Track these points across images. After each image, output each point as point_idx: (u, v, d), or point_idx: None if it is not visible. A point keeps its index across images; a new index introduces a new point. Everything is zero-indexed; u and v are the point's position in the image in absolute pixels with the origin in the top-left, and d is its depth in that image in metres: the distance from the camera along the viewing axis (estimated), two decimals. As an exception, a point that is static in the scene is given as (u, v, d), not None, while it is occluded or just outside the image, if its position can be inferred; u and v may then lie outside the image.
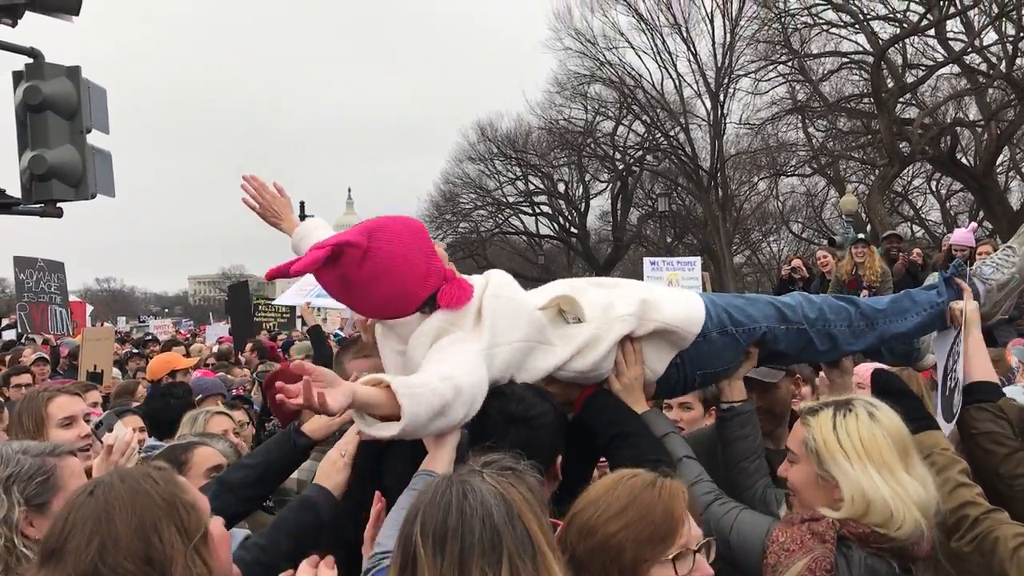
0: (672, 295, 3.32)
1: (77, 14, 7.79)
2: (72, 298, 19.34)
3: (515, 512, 1.97)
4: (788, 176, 50.69)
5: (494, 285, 3.03)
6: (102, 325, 27.55)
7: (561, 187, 60.83)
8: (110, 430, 4.52)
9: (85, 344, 8.34)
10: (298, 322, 21.60)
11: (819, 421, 2.67)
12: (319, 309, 12.82)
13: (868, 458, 2.54)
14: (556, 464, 2.84)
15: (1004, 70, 33.64)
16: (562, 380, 3.06)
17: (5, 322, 20.68)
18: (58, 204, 7.64)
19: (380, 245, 2.70)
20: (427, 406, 2.52)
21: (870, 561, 2.49)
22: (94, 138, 7.74)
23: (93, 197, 7.66)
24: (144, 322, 50.51)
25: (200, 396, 6.68)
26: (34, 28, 7.81)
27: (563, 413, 2.96)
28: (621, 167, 55.99)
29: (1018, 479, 3.02)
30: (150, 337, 21.45)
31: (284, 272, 2.69)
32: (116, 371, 11.22)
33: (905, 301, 3.49)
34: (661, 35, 49.14)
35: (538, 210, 62.11)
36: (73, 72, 7.57)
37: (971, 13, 34.41)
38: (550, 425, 2.82)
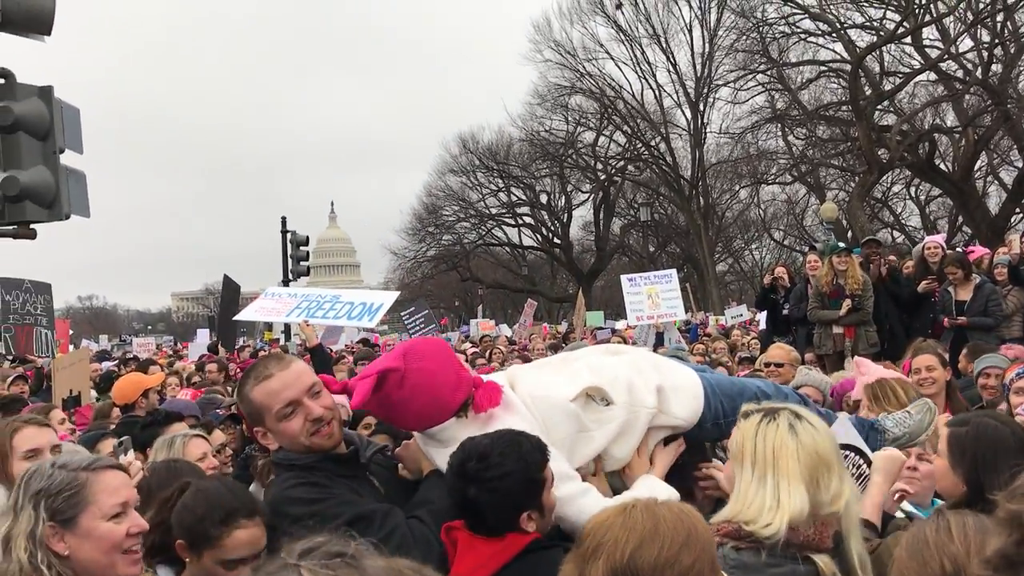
0: (679, 380, 3.53)
1: (49, 34, 7.70)
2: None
3: None
4: (769, 184, 51.03)
5: (527, 387, 3.37)
6: (78, 347, 27.28)
7: (544, 198, 61.01)
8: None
9: (58, 372, 8.19)
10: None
11: (746, 425, 2.80)
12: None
13: (772, 466, 2.67)
14: (521, 518, 2.87)
15: (980, 76, 34.00)
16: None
17: None
18: (32, 225, 7.53)
19: (414, 365, 3.11)
20: None
21: (736, 555, 2.60)
22: (68, 158, 7.64)
23: (67, 218, 7.54)
24: (126, 340, 50.15)
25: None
26: (5, 48, 7.74)
27: (530, 472, 2.88)
28: (603, 177, 56.19)
29: None
30: (131, 356, 21.27)
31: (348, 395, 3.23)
32: (93, 393, 11.10)
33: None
34: (640, 46, 49.52)
35: (521, 221, 62.29)
36: (45, 92, 7.45)
37: (947, 20, 34.80)
38: (511, 489, 2.83)
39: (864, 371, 5.58)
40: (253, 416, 3.23)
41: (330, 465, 3.20)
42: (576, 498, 3.07)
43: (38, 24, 7.60)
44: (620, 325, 24.58)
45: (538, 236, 62.37)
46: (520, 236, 62.81)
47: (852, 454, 3.36)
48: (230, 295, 17.01)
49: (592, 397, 3.31)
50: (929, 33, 35.85)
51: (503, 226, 62.53)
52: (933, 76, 36.97)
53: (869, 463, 3.36)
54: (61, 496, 2.67)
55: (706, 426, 3.47)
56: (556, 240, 60.87)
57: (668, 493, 3.12)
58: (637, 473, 3.32)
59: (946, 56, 34.31)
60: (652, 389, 3.39)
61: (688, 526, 2.18)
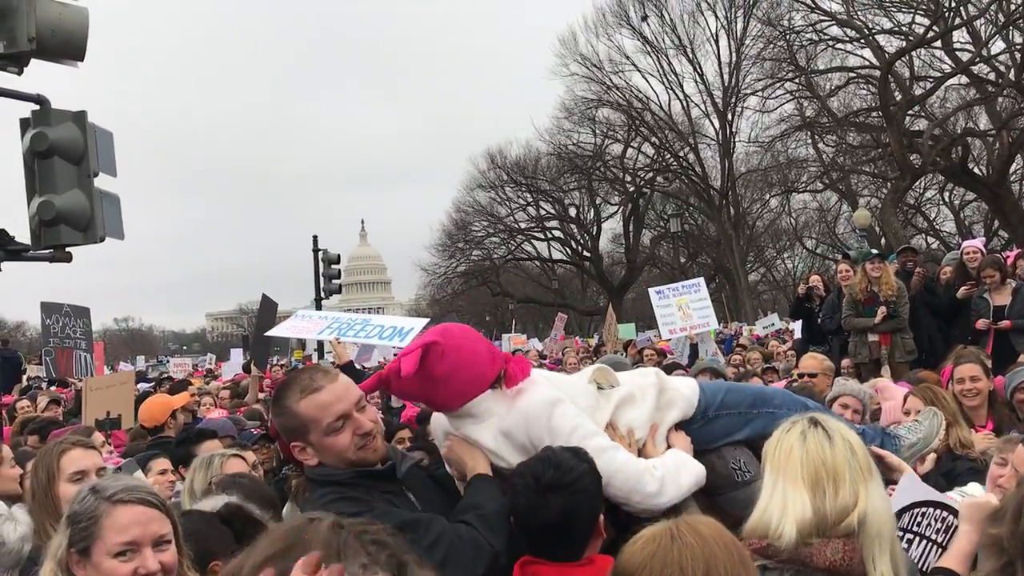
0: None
1: (82, 59, 7.83)
2: (91, 339, 19.38)
3: None
4: (800, 192, 50.68)
5: (546, 375, 3.58)
6: (115, 369, 27.58)
7: (572, 211, 60.96)
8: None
9: (91, 392, 8.22)
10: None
11: (775, 435, 2.84)
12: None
13: (783, 472, 2.69)
14: (599, 522, 2.91)
15: (1013, 78, 33.53)
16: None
17: (30, 372, 20.75)
18: (67, 249, 7.63)
19: (452, 341, 3.21)
20: None
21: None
22: (102, 181, 7.73)
23: (102, 240, 7.63)
24: (162, 361, 50.71)
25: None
26: (39, 74, 7.87)
27: (594, 467, 3.00)
28: (632, 189, 56.07)
29: None
30: (166, 375, 21.50)
31: (387, 382, 3.27)
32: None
33: None
34: (667, 57, 49.49)
35: (550, 235, 62.26)
36: (79, 117, 7.57)
37: (977, 23, 34.38)
38: (589, 488, 2.90)
39: (888, 396, 5.52)
40: (295, 430, 3.11)
41: (368, 480, 3.15)
42: (606, 450, 3.14)
43: (71, 50, 7.72)
44: (652, 336, 24.43)
45: (567, 249, 62.31)
46: (550, 250, 62.86)
47: (934, 509, 3.20)
48: (267, 313, 17.06)
49: (600, 386, 3.50)
50: (959, 36, 35.52)
51: (532, 240, 62.60)
52: (965, 79, 36.57)
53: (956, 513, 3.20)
54: (80, 525, 2.66)
55: (709, 414, 3.54)
56: (586, 253, 60.77)
57: (695, 466, 3.27)
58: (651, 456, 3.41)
59: (977, 59, 33.96)
60: (651, 373, 3.75)
61: (737, 544, 2.18)
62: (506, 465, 3.17)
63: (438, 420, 3.53)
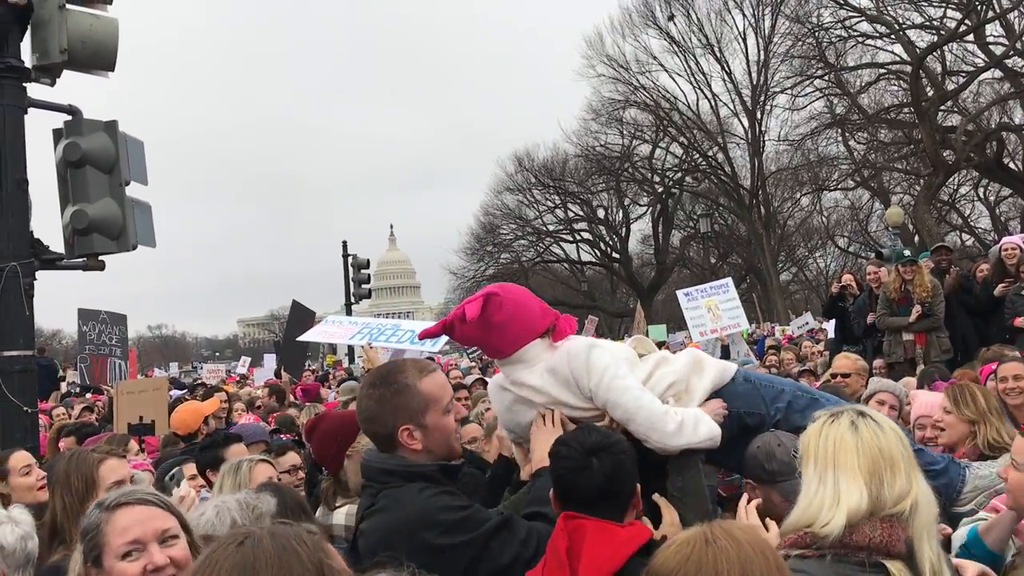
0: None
1: (112, 70, 7.93)
2: (124, 346, 19.59)
3: None
4: (831, 191, 50.17)
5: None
6: (148, 375, 27.85)
7: (601, 213, 60.76)
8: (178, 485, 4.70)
9: (121, 397, 8.29)
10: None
11: (812, 428, 2.79)
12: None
13: (832, 463, 2.65)
14: (638, 490, 3.01)
15: (1048, 72, 33.01)
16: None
17: (67, 377, 21.02)
18: (100, 257, 7.71)
19: (509, 293, 3.57)
20: None
21: (801, 564, 2.53)
22: (133, 190, 7.82)
23: (134, 248, 7.71)
24: (197, 367, 51.17)
25: (244, 443, 6.55)
26: (69, 84, 7.97)
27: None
28: (660, 190, 55.83)
29: None
30: (199, 381, 21.67)
31: (451, 327, 3.60)
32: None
33: None
34: (694, 56, 49.26)
35: (579, 237, 62.06)
36: (111, 127, 7.66)
37: (1011, 16, 33.83)
38: (629, 452, 3.03)
39: (920, 406, 5.49)
40: (414, 409, 3.13)
41: (447, 476, 3.19)
42: (633, 389, 3.42)
43: (102, 61, 7.83)
44: (684, 338, 24.28)
45: (596, 251, 62.14)
46: (578, 252, 62.63)
47: None
48: (300, 320, 17.06)
49: (640, 354, 3.82)
50: (993, 29, 34.94)
51: (561, 243, 62.44)
52: (998, 73, 35.99)
53: None
54: (88, 537, 2.73)
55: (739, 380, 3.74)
56: (615, 255, 60.55)
57: (713, 425, 3.45)
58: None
59: (1011, 52, 33.39)
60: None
61: (772, 548, 2.15)
62: (546, 400, 3.50)
63: (494, 381, 3.85)
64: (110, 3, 7.84)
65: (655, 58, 49.72)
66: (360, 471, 3.55)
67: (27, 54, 7.55)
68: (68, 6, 7.44)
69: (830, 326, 16.08)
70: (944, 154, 34.20)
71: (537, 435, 3.48)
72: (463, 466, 3.39)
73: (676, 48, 49.25)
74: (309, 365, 30.18)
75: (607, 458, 2.92)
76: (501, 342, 3.59)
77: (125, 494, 2.85)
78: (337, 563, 1.98)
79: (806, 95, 42.81)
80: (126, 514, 2.74)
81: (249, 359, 47.37)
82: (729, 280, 15.13)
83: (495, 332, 3.53)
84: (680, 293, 15.11)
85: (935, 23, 36.76)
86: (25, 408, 7.19)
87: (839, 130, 42.59)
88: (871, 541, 2.54)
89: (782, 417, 3.61)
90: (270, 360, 30.66)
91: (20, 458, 5.38)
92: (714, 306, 13.68)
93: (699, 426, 3.41)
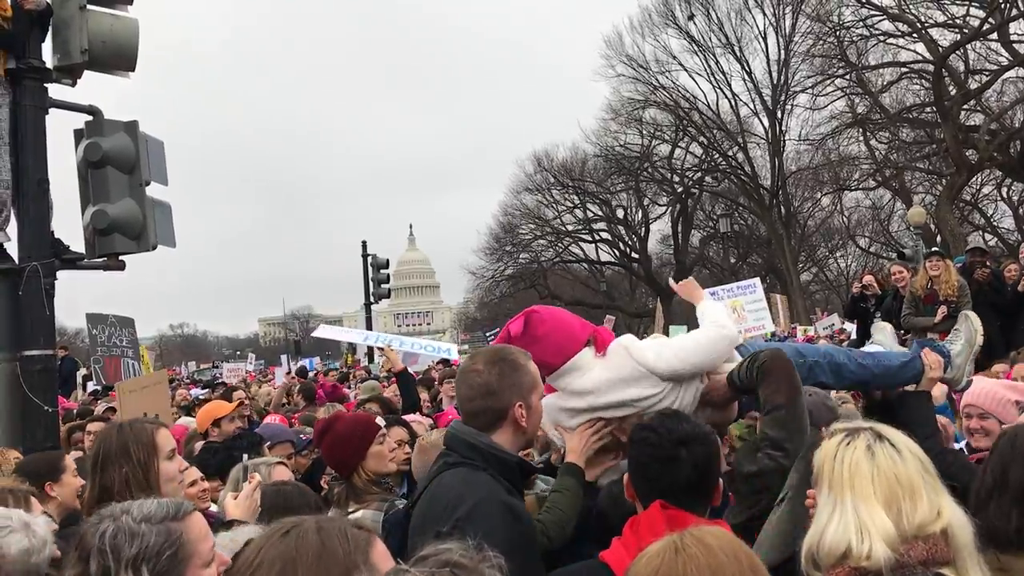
0: None
1: (133, 70, 7.94)
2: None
3: None
4: (852, 190, 49.74)
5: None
6: (170, 373, 27.94)
7: (620, 213, 60.56)
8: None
9: (124, 395, 8.27)
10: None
11: (827, 446, 2.68)
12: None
13: (848, 488, 2.55)
14: (720, 488, 2.98)
15: (1073, 70, 32.60)
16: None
17: (84, 372, 21.24)
18: (120, 257, 7.73)
19: (547, 310, 3.90)
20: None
21: None
22: (154, 190, 7.83)
23: (154, 248, 7.73)
24: (216, 365, 51.41)
25: (269, 444, 6.50)
26: (92, 85, 7.99)
27: None
28: (680, 190, 55.60)
29: None
30: (219, 380, 21.77)
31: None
32: (186, 417, 11.33)
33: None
34: (714, 56, 49.05)
35: (598, 237, 61.89)
36: (131, 127, 7.68)
37: (1035, 14, 33.47)
38: (717, 445, 3.06)
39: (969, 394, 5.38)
40: (527, 387, 3.31)
41: (518, 470, 3.28)
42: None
43: (123, 61, 7.84)
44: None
45: (616, 251, 61.94)
46: (597, 252, 62.44)
47: None
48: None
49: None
50: (1016, 28, 34.56)
51: (580, 242, 62.26)
52: (1022, 72, 35.61)
53: None
54: (163, 557, 2.38)
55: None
56: (634, 255, 60.35)
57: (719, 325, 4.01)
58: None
59: (1035, 51, 33.04)
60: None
61: (746, 551, 2.09)
62: (599, 402, 3.67)
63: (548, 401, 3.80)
64: (131, 3, 7.85)
65: (675, 58, 49.62)
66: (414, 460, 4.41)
67: (48, 55, 7.56)
68: (89, 7, 7.44)
69: (852, 327, 15.94)
70: (967, 153, 33.86)
71: (586, 431, 3.69)
72: (536, 469, 3.68)
73: (696, 47, 49.10)
74: (329, 365, 30.29)
75: (698, 448, 2.89)
76: (546, 353, 3.72)
77: (181, 505, 2.55)
78: (379, 560, 1.96)
79: (827, 94, 42.59)
80: (199, 518, 2.55)
81: (254, 355, 47.57)
82: (757, 280, 14.93)
83: (541, 345, 3.68)
84: (705, 292, 14.91)
85: (958, 21, 36.41)
86: (46, 407, 7.20)
87: (860, 129, 42.28)
88: (924, 553, 2.46)
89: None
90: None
91: (72, 459, 5.30)
92: (740, 307, 13.50)
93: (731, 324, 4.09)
